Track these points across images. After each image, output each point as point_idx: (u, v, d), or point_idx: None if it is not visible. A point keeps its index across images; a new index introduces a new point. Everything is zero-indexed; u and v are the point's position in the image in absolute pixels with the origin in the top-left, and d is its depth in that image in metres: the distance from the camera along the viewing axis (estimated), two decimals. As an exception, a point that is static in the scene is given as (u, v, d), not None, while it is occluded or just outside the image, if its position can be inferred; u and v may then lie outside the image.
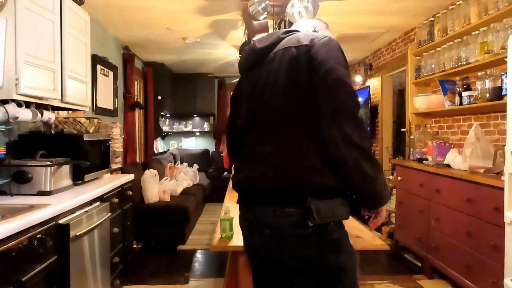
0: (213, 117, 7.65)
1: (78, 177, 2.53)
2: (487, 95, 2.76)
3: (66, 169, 2.38)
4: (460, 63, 3.12)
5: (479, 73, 2.89)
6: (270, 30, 3.58)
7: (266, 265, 1.40)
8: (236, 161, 1.45)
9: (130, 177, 3.29)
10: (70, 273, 1.93)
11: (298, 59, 1.28)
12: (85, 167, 2.56)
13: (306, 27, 1.50)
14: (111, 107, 4.44)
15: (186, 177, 5.57)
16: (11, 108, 2.08)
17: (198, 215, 5.47)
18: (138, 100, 5.58)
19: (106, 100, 4.26)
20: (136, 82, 5.60)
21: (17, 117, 2.12)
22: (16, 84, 1.97)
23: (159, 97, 6.28)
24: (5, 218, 1.57)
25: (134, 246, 3.85)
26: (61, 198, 2.10)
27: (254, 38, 1.43)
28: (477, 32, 2.88)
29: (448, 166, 3.14)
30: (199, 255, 3.96)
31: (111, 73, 4.41)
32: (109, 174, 3.19)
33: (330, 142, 1.20)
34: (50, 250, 1.80)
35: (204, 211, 5.97)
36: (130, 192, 3.27)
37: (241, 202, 1.42)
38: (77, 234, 2.02)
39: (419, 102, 3.78)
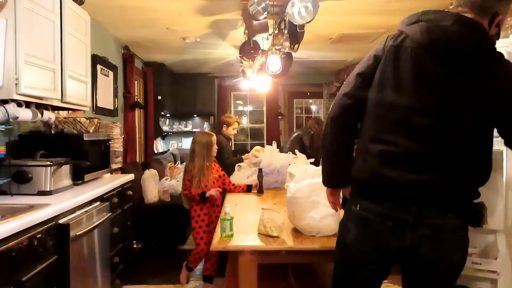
0: (213, 117, 7.63)
1: (78, 177, 2.53)
2: (487, 95, 2.75)
3: (66, 169, 2.38)
4: (460, 63, 3.11)
5: (479, 73, 2.88)
6: (270, 30, 3.58)
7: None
8: None
9: (130, 177, 3.29)
10: (70, 273, 1.94)
11: None
12: (85, 167, 2.56)
13: None
14: (111, 107, 4.43)
15: (186, 177, 5.56)
16: (11, 108, 2.08)
17: (198, 215, 5.45)
18: (138, 100, 5.58)
19: (106, 100, 4.25)
20: (136, 82, 5.60)
21: (17, 117, 2.12)
22: (16, 84, 1.97)
23: (159, 97, 6.28)
24: (5, 218, 1.57)
25: (134, 246, 3.84)
26: (61, 198, 2.10)
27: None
28: (477, 32, 2.87)
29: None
30: (199, 255, 3.95)
31: (111, 73, 4.41)
32: (109, 174, 3.19)
33: None
34: (50, 250, 1.80)
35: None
36: (130, 192, 3.27)
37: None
38: (77, 234, 2.02)
39: (419, 102, 3.77)
